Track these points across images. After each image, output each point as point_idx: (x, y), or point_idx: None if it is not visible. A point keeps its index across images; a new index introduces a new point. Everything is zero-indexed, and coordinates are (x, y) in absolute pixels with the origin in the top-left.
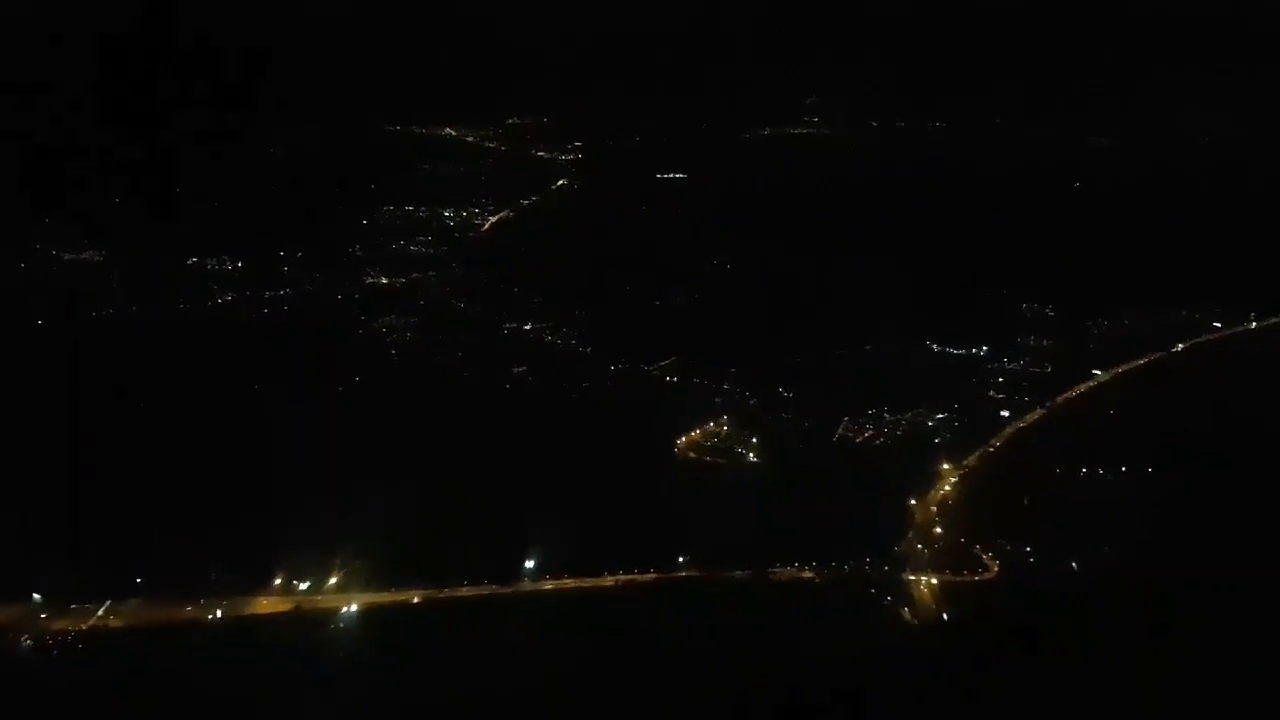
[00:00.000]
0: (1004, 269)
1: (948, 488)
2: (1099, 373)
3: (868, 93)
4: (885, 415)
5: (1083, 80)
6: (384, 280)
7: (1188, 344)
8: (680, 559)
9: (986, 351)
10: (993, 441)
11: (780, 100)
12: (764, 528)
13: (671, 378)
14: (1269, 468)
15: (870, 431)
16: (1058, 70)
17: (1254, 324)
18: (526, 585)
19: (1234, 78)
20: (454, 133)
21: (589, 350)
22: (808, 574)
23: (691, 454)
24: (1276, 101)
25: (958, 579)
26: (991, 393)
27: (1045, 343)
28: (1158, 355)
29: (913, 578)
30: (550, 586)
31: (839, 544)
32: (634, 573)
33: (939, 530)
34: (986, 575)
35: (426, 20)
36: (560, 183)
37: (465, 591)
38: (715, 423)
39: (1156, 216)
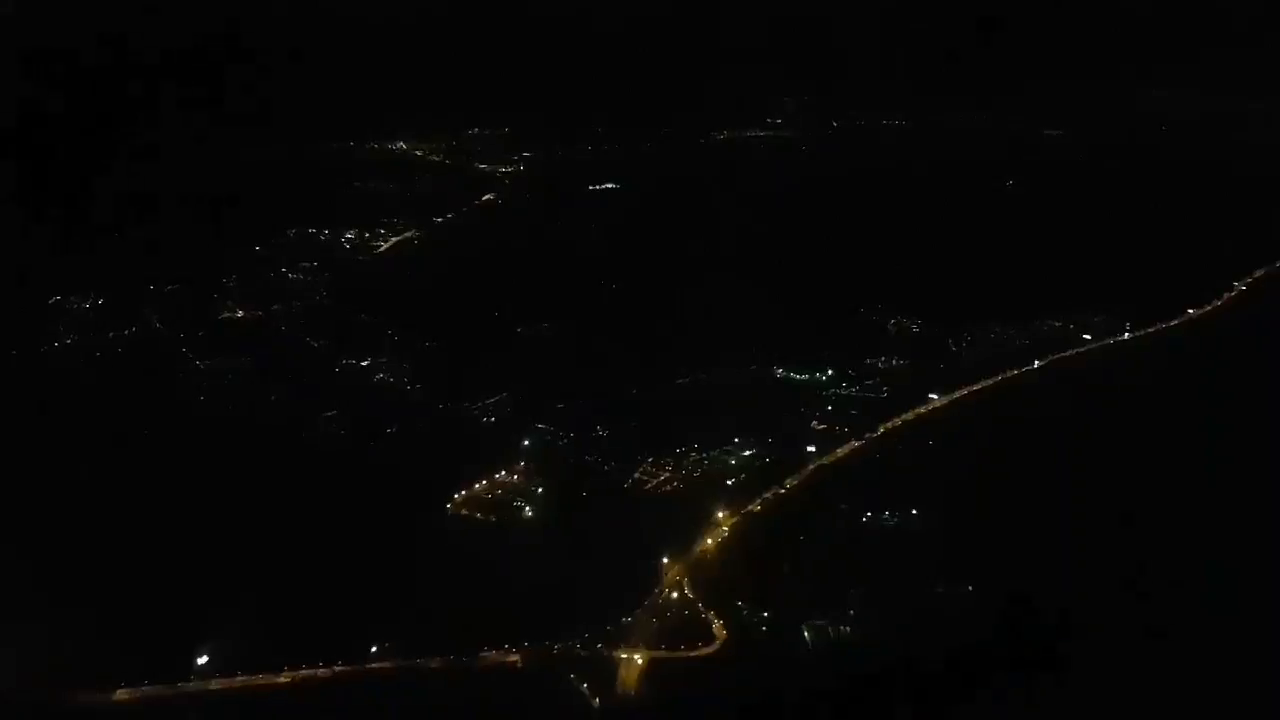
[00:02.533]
0: (888, 281)
1: (712, 541)
2: (934, 397)
3: (838, 90)
4: (692, 453)
5: (1056, 68)
6: (240, 314)
7: (1046, 361)
8: (374, 649)
9: (830, 376)
10: (787, 481)
11: (751, 100)
12: (498, 602)
13: (489, 418)
14: (1081, 508)
15: (669, 472)
16: (1030, 59)
17: (1126, 334)
18: (191, 685)
19: (1208, 59)
20: (405, 146)
21: (419, 388)
22: (514, 658)
23: (464, 511)
24: (1247, 85)
25: (674, 655)
26: (815, 423)
27: (896, 363)
28: (1006, 375)
29: (624, 656)
30: (216, 686)
31: (571, 617)
32: (317, 666)
33: (678, 595)
34: (707, 649)
35: (406, 28)
36: (487, 197)
37: (122, 694)
38: (507, 471)
39: (1080, 216)
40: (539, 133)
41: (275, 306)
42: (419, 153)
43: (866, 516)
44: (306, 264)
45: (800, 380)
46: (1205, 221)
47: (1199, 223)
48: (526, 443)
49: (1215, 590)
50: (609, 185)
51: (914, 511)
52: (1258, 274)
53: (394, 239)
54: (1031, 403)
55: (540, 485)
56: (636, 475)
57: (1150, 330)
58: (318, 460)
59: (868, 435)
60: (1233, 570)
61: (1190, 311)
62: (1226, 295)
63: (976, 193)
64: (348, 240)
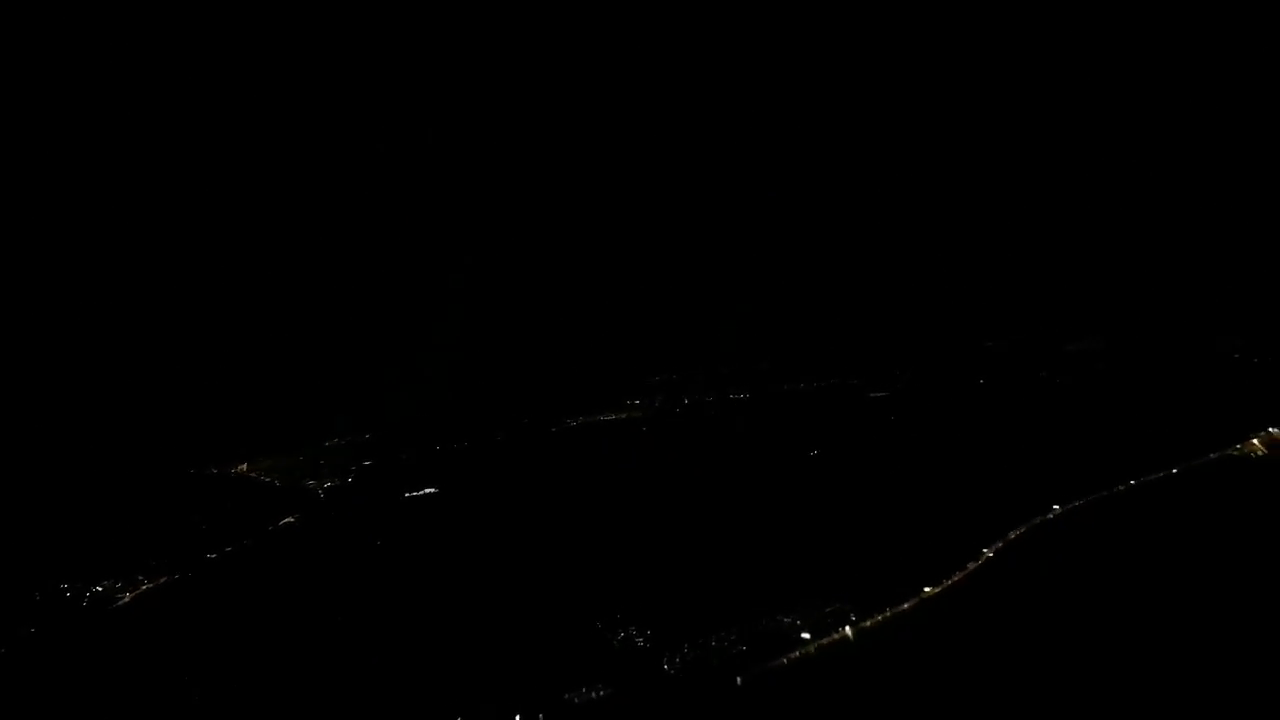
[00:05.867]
0: (641, 584)
1: None
2: None
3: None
4: None
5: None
6: None
7: (753, 671)
8: None
9: None
10: None
11: (616, 372)
12: None
13: None
14: None
15: None
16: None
17: (848, 629)
18: None
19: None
20: (245, 468)
21: None
22: None
23: None
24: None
25: None
26: None
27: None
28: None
29: None
30: None
31: None
32: None
33: None
34: None
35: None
36: (286, 520)
37: None
38: None
39: (843, 486)
40: (403, 437)
41: None
42: (254, 474)
43: None
44: (25, 629)
45: None
46: (967, 479)
47: (959, 481)
48: None
49: None
50: (428, 490)
51: None
52: (1010, 536)
53: (145, 586)
54: None
55: None
56: None
57: (880, 618)
58: None
59: None
60: None
61: (926, 590)
62: (971, 565)
63: (766, 468)
64: (91, 594)
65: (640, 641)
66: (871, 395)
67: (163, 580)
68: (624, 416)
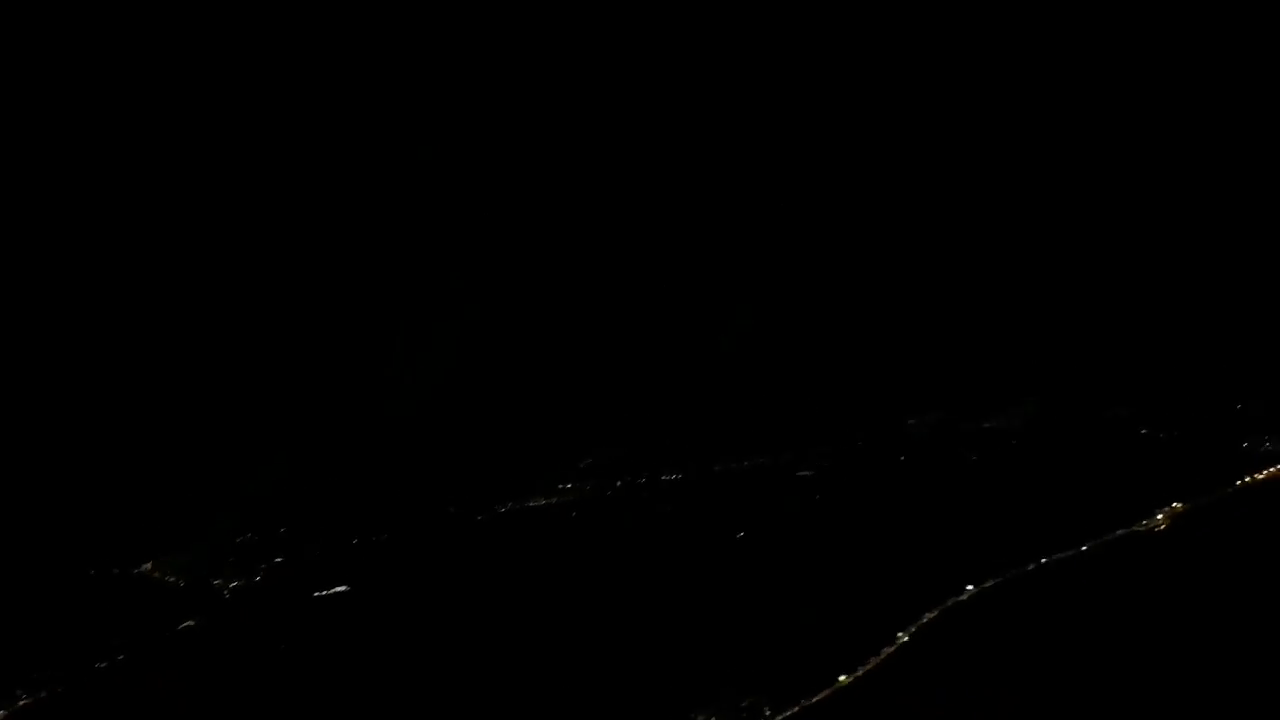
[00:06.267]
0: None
1: None
2: None
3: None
4: None
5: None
6: None
7: None
8: None
9: None
10: None
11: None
12: None
13: None
14: None
15: None
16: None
17: None
18: None
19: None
20: (149, 567)
21: None
22: None
23: None
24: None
25: None
26: None
27: None
28: None
29: None
30: None
31: None
32: None
33: None
34: None
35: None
36: (185, 625)
37: None
38: None
39: (788, 555)
40: (307, 529)
41: None
42: (158, 574)
43: None
44: None
45: None
46: (885, 560)
47: (878, 562)
48: None
49: None
50: (339, 589)
51: None
52: (924, 619)
53: (23, 702)
54: None
55: None
56: None
57: (793, 711)
58: None
59: None
60: None
61: (841, 678)
62: (885, 651)
63: (697, 550)
64: None
65: None
66: (798, 474)
67: (43, 695)
68: (555, 501)
